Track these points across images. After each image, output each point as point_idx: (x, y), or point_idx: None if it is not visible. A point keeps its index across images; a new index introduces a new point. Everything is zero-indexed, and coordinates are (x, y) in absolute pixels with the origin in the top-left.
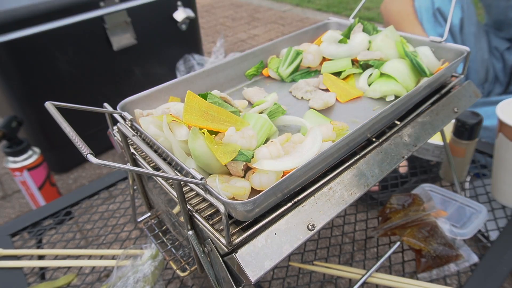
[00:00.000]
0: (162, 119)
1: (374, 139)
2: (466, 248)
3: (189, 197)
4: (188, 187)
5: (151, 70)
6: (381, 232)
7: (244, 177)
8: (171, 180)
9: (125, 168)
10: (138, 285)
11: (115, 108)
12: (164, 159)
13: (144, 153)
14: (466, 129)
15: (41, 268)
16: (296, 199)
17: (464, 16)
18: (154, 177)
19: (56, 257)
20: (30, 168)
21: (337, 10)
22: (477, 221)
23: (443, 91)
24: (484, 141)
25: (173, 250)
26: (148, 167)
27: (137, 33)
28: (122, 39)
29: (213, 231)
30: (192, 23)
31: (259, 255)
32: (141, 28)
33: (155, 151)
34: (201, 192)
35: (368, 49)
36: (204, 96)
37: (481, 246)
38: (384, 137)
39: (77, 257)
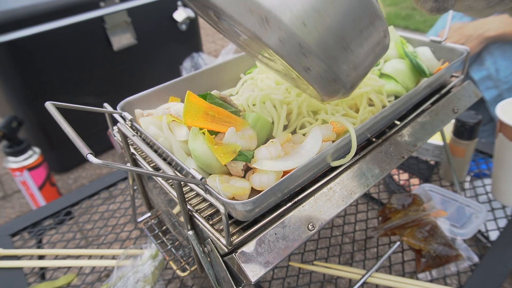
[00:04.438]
0: (162, 119)
1: (374, 139)
2: (466, 248)
3: (189, 197)
4: (188, 187)
5: (151, 70)
6: (381, 232)
7: (244, 177)
8: (171, 180)
9: (125, 168)
10: (138, 285)
11: (115, 108)
12: (164, 159)
13: (144, 153)
14: (466, 129)
15: (41, 268)
16: (296, 199)
17: None
18: (154, 177)
19: (56, 257)
20: (30, 168)
21: None
22: (477, 221)
23: (443, 91)
24: (484, 141)
25: (173, 250)
26: (148, 167)
27: (137, 33)
28: (122, 39)
29: (213, 231)
30: (193, 23)
31: (259, 255)
32: (141, 28)
33: (155, 151)
34: (201, 192)
35: None
36: (204, 97)
37: (481, 246)
38: (384, 137)
39: (77, 257)
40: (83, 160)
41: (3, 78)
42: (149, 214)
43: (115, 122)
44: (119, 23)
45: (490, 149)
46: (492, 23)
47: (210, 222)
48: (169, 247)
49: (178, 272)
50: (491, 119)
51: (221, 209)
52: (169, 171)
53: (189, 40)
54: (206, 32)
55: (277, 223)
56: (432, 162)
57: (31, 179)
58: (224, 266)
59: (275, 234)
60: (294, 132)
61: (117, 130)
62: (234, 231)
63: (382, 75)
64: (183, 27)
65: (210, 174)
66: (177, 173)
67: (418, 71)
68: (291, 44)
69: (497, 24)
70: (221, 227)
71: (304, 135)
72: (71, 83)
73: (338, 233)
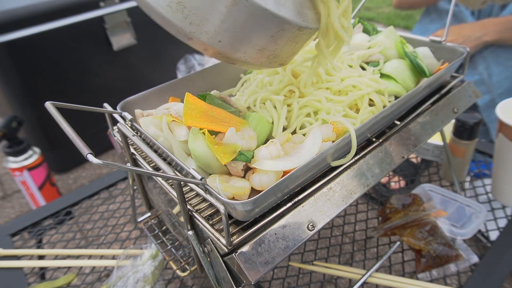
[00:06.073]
0: (162, 119)
1: (374, 139)
2: (466, 248)
3: (189, 197)
4: (188, 187)
5: (151, 70)
6: (381, 232)
7: (244, 177)
8: (171, 180)
9: (125, 168)
10: (138, 285)
11: (115, 108)
12: (164, 159)
13: (144, 153)
14: (466, 129)
15: (41, 268)
16: (296, 199)
17: None
18: (154, 177)
19: (56, 257)
20: (30, 168)
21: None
22: (477, 221)
23: (443, 91)
24: (484, 141)
25: (173, 250)
26: (148, 167)
27: (137, 33)
28: (122, 39)
29: (213, 231)
30: None
31: (259, 255)
32: (141, 28)
33: (155, 151)
34: (201, 192)
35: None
36: (204, 97)
37: (481, 246)
38: (384, 137)
39: (77, 257)
40: (83, 160)
41: (3, 78)
42: (149, 214)
43: (115, 122)
44: (119, 23)
45: (490, 149)
46: (491, 27)
47: (210, 222)
48: (169, 247)
49: (178, 272)
50: (483, 124)
51: (221, 209)
52: (169, 171)
53: None
54: None
55: (277, 223)
56: (419, 159)
57: (31, 179)
58: (224, 266)
59: (275, 234)
60: (294, 132)
61: (117, 130)
62: (234, 231)
63: (382, 75)
64: None
65: (210, 174)
66: (177, 173)
67: (418, 71)
68: (213, 52)
69: (495, 28)
70: (221, 227)
71: (304, 135)
72: (71, 83)
73: (338, 233)
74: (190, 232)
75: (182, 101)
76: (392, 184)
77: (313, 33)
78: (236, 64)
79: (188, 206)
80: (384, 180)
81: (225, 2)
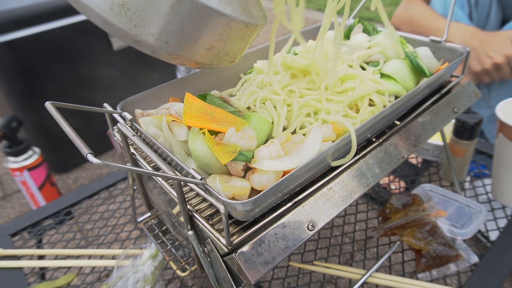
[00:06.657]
0: (162, 119)
1: (374, 139)
2: (466, 248)
3: (189, 197)
4: (188, 187)
5: (151, 70)
6: (381, 232)
7: (244, 177)
8: (171, 180)
9: (125, 168)
10: (138, 285)
11: (115, 108)
12: (164, 159)
13: (144, 153)
14: (466, 129)
15: (41, 268)
16: (296, 199)
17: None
18: (154, 177)
19: (56, 257)
20: (30, 168)
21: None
22: (477, 221)
23: (443, 91)
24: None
25: (173, 250)
26: (148, 167)
27: None
28: None
29: (213, 231)
30: None
31: (259, 255)
32: None
33: (155, 151)
34: (201, 192)
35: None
36: (204, 97)
37: (481, 246)
38: (384, 137)
39: (77, 257)
40: (83, 160)
41: (3, 78)
42: (149, 214)
43: (115, 122)
44: None
45: (490, 149)
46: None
47: (210, 222)
48: (169, 247)
49: (178, 272)
50: (485, 139)
51: (221, 209)
52: (169, 171)
53: None
54: None
55: (277, 223)
56: (419, 160)
57: (31, 179)
58: (224, 266)
59: (275, 234)
60: (294, 132)
61: (117, 130)
62: (234, 231)
63: (382, 75)
64: None
65: (210, 174)
66: (177, 173)
67: (418, 71)
68: (161, 54)
69: None
70: (221, 227)
71: (304, 135)
72: (71, 83)
73: (338, 233)
74: (190, 232)
75: (182, 101)
76: (393, 187)
77: (259, 30)
78: (186, 64)
79: (188, 206)
80: (384, 184)
81: (169, 2)
